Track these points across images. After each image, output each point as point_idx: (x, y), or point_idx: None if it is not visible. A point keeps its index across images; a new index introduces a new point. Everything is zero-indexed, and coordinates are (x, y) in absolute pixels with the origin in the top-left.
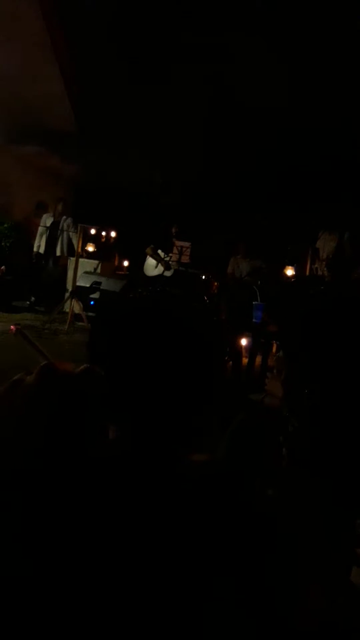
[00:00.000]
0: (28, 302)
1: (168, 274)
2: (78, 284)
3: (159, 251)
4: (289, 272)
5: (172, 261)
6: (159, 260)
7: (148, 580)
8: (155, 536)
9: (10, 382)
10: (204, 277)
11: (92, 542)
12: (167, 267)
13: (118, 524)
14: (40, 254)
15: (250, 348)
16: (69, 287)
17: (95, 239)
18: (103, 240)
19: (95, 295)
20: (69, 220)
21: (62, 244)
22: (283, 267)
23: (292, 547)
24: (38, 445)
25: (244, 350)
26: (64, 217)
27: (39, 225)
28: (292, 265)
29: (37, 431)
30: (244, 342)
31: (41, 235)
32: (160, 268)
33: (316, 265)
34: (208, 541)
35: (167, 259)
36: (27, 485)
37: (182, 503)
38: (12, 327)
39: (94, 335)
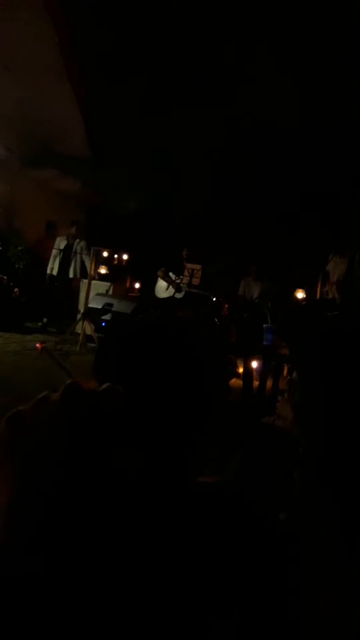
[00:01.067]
0: (40, 323)
1: (179, 295)
2: (90, 305)
3: (170, 273)
4: (299, 295)
5: (183, 283)
6: (170, 282)
7: (153, 601)
8: (163, 556)
9: (36, 400)
10: (214, 299)
11: (103, 559)
12: (177, 289)
13: (130, 543)
14: (53, 275)
15: (261, 371)
16: (81, 308)
17: (107, 262)
18: (115, 262)
19: (107, 317)
20: (83, 243)
21: (75, 266)
22: (293, 290)
23: (304, 567)
24: (62, 462)
25: (254, 373)
26: (77, 239)
27: (52, 248)
28: (302, 288)
29: (62, 448)
30: (254, 364)
31: (55, 258)
32: (171, 290)
33: (327, 288)
34: (217, 562)
35: (178, 281)
36: (49, 502)
37: (192, 523)
38: (38, 345)
39: (100, 357)
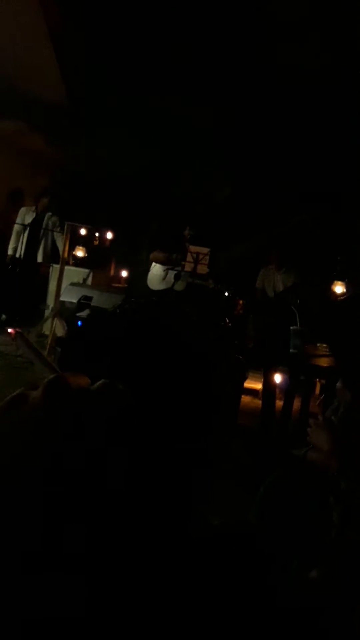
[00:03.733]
0: None
1: (179, 287)
2: (62, 298)
3: (174, 256)
4: (338, 289)
5: (185, 271)
6: (168, 262)
7: None
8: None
9: (9, 400)
10: (226, 293)
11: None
12: (177, 277)
13: (122, 598)
14: (16, 259)
15: (287, 387)
16: (51, 302)
17: (86, 242)
18: (96, 243)
19: (84, 314)
20: (55, 218)
21: (45, 248)
22: (330, 283)
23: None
24: (45, 481)
25: (278, 391)
26: (49, 213)
27: (15, 223)
28: (342, 280)
29: (45, 463)
30: (278, 379)
31: (18, 236)
32: (170, 279)
33: None
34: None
35: (179, 268)
36: (27, 532)
37: (193, 580)
38: (10, 330)
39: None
